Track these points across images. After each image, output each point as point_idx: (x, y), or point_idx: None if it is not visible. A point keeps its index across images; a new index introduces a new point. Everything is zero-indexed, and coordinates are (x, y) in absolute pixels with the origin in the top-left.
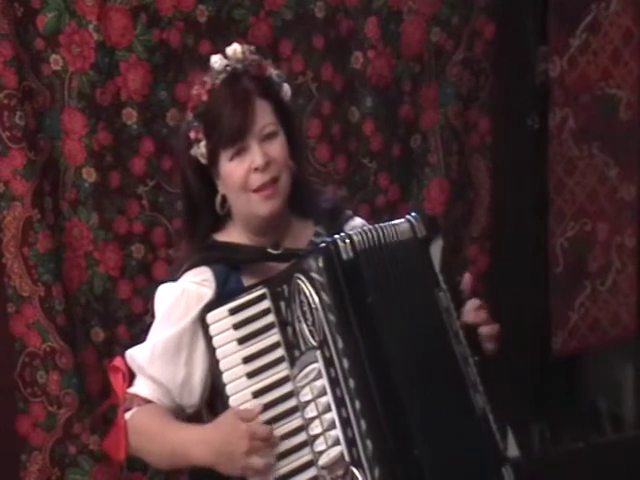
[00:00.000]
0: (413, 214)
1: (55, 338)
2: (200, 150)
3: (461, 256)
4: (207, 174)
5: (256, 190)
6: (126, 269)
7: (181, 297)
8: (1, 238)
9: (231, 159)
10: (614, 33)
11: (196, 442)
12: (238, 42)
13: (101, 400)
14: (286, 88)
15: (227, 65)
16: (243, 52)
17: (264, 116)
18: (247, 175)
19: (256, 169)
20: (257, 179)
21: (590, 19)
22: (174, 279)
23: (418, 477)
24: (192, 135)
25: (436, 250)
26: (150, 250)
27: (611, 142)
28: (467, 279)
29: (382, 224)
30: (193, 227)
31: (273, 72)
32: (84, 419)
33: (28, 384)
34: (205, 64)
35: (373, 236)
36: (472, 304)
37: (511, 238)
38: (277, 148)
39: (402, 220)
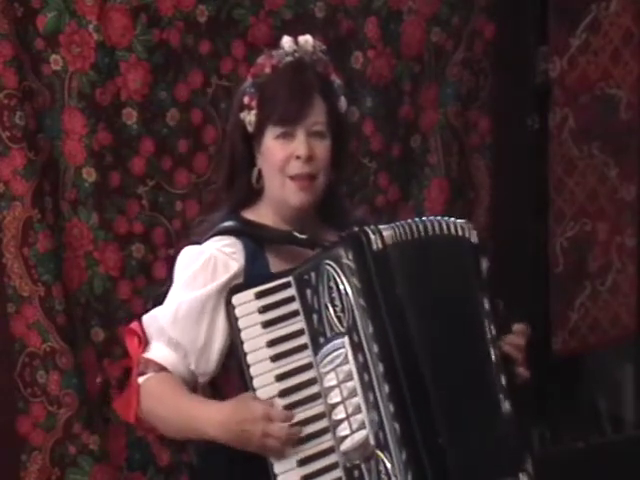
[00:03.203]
0: (468, 223)
1: (55, 338)
2: (249, 117)
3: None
4: (250, 143)
5: (292, 177)
6: (126, 269)
7: (209, 262)
8: (1, 238)
9: (276, 138)
10: (614, 33)
11: (211, 420)
12: (238, 42)
13: (101, 400)
14: (343, 101)
15: (295, 51)
16: (314, 47)
17: (318, 114)
18: (288, 160)
19: (298, 157)
20: (296, 167)
21: (590, 19)
22: (198, 242)
23: (441, 463)
24: (246, 100)
25: (483, 266)
26: (150, 250)
27: (611, 142)
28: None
29: (433, 218)
30: (228, 193)
31: (336, 80)
32: (84, 419)
33: (28, 384)
34: (205, 64)
35: (407, 230)
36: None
37: (511, 238)
38: (322, 149)
39: (458, 220)
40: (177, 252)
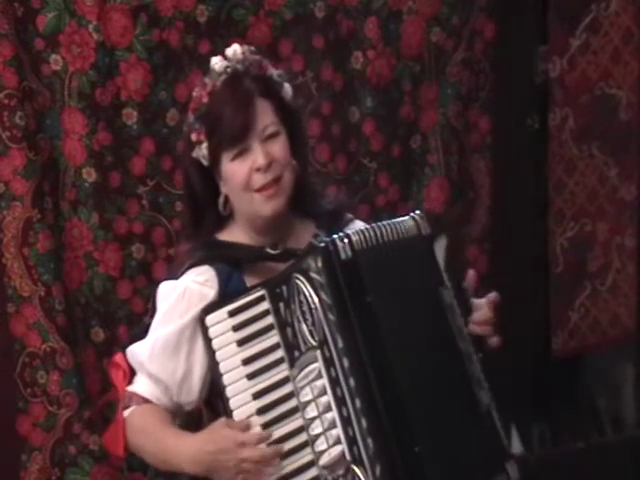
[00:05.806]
0: (417, 212)
1: (55, 338)
2: (202, 152)
3: (461, 256)
4: (210, 175)
5: (258, 190)
6: (126, 269)
7: (183, 295)
8: (1, 238)
9: (233, 159)
10: (614, 33)
11: (184, 454)
12: (238, 42)
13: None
14: (287, 87)
15: (227, 66)
16: (243, 52)
17: (265, 116)
18: (249, 175)
19: (258, 169)
20: (259, 179)
21: (590, 19)
22: (175, 277)
23: (419, 474)
24: (193, 137)
25: (440, 249)
26: (150, 250)
27: (611, 142)
28: (471, 276)
29: (384, 222)
30: (196, 227)
31: (274, 72)
32: (84, 419)
33: (28, 384)
34: (205, 64)
35: (373, 235)
36: (478, 305)
37: (511, 238)
38: (279, 148)
39: (406, 218)
40: (177, 252)
